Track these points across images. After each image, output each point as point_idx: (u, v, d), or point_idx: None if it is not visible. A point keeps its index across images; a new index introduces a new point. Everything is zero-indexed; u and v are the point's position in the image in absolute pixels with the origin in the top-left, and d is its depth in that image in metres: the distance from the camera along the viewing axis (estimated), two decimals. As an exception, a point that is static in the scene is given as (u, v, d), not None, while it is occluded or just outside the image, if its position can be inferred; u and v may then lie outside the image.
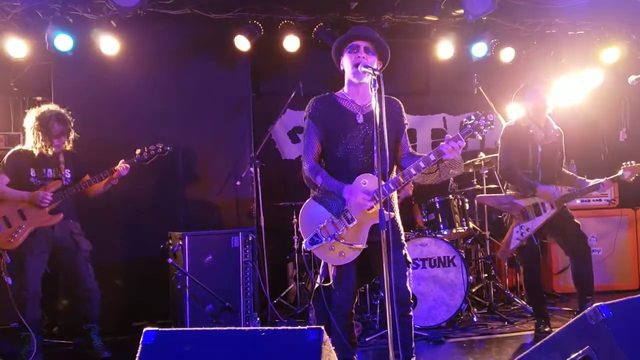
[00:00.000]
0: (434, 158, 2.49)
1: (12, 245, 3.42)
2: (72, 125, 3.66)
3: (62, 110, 3.64)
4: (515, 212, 3.68)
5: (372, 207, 2.50)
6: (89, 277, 3.63)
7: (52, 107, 3.66)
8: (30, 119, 3.58)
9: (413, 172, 2.51)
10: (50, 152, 3.57)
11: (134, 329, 4.06)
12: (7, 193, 3.52)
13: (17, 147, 3.65)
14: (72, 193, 3.56)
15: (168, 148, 3.76)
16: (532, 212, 3.63)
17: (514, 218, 3.70)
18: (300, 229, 2.65)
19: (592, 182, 3.70)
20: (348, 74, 2.67)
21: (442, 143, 2.48)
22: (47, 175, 3.58)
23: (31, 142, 3.57)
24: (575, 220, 3.69)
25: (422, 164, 2.50)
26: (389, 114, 2.59)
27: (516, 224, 3.66)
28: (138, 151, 3.71)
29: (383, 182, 2.39)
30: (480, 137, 2.55)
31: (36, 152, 3.56)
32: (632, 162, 3.67)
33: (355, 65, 2.57)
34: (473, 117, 2.49)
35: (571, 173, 3.90)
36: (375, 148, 2.53)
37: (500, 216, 3.97)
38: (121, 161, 3.64)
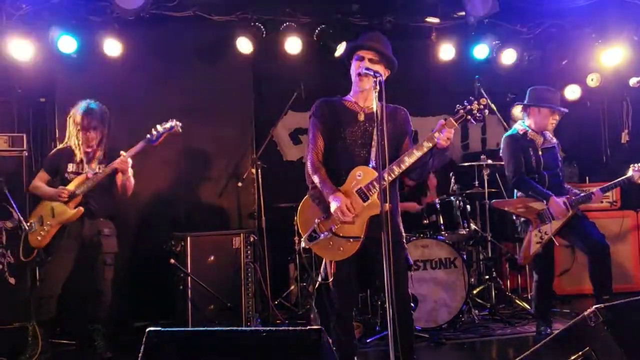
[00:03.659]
0: (427, 144, 2.50)
1: (40, 243, 3.47)
2: (107, 121, 3.63)
3: (96, 105, 3.61)
4: (532, 216, 3.64)
5: (347, 221, 2.52)
6: (104, 280, 3.59)
7: (89, 102, 3.62)
8: (71, 112, 3.61)
9: (407, 159, 2.52)
10: (85, 145, 3.55)
11: (136, 329, 4.07)
12: (40, 189, 3.57)
13: (62, 145, 3.70)
14: (89, 186, 3.51)
15: (177, 123, 3.62)
16: (550, 215, 3.61)
17: (531, 222, 3.66)
18: (299, 227, 2.67)
19: (584, 193, 3.70)
20: (353, 81, 2.72)
21: (434, 129, 2.47)
22: (80, 171, 3.58)
23: (71, 136, 3.60)
24: (589, 219, 3.68)
25: (416, 152, 2.51)
26: (394, 118, 2.67)
27: (534, 228, 3.62)
28: (153, 131, 3.59)
29: (381, 182, 2.40)
30: (474, 122, 2.52)
31: (75, 148, 3.58)
32: None
33: (359, 75, 2.62)
34: (465, 102, 2.50)
35: (567, 186, 3.88)
36: (374, 143, 2.56)
37: (516, 224, 3.89)
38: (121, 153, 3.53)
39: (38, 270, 3.56)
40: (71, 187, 3.52)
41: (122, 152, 3.55)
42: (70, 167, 3.60)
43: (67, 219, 3.51)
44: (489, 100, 2.44)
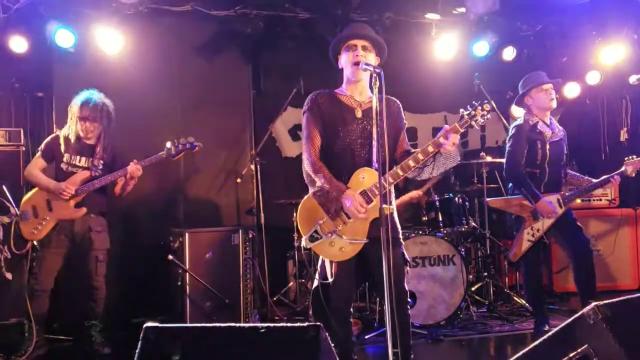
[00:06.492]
0: (432, 149, 2.50)
1: (36, 237, 3.42)
2: (107, 115, 3.56)
3: (99, 98, 3.55)
4: (525, 213, 3.65)
5: (360, 218, 2.51)
6: (96, 276, 3.58)
7: (91, 92, 3.58)
8: (72, 101, 3.57)
9: (411, 164, 2.52)
10: (82, 136, 3.50)
11: (133, 325, 4.06)
12: (39, 178, 3.50)
13: (58, 132, 3.64)
14: (95, 187, 3.48)
15: (199, 144, 3.60)
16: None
17: (524, 219, 3.66)
18: (299, 226, 2.65)
19: (598, 180, 3.69)
20: (347, 72, 2.69)
21: (439, 134, 2.49)
22: (77, 163, 3.53)
23: (70, 125, 3.55)
24: (578, 223, 3.69)
25: (420, 156, 2.51)
26: (388, 112, 2.61)
27: (527, 225, 3.63)
28: (169, 144, 3.55)
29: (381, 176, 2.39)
30: (477, 127, 2.57)
31: (72, 137, 3.52)
32: (634, 156, 3.67)
33: (356, 64, 2.58)
34: (469, 107, 2.51)
35: (577, 174, 3.88)
36: (374, 142, 2.55)
37: (510, 221, 3.90)
38: (133, 162, 3.51)
39: (31, 264, 3.50)
40: (72, 184, 3.46)
41: (135, 161, 3.50)
42: (66, 157, 3.53)
43: (67, 217, 3.48)
44: (492, 103, 2.45)
